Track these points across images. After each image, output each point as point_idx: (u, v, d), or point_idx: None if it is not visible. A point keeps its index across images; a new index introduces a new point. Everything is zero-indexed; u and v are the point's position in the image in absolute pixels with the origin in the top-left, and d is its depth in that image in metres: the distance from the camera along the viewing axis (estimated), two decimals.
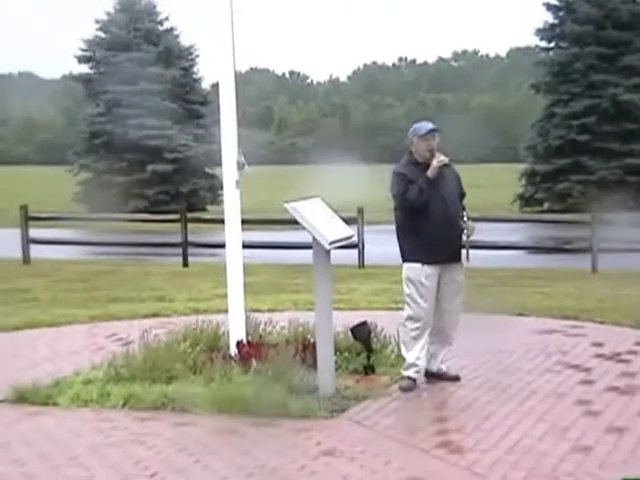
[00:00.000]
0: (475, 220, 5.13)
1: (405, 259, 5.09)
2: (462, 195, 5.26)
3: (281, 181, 36.46)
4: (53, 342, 6.73)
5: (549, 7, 27.35)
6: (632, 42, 25.87)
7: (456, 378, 5.19)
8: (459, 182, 5.24)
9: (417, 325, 5.03)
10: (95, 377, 5.18)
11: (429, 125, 5.06)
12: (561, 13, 27.23)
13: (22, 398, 4.94)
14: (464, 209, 5.16)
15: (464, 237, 5.07)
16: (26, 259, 13.49)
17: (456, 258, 5.11)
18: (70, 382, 5.14)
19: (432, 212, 4.96)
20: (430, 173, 4.97)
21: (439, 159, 4.98)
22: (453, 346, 5.25)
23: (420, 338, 5.05)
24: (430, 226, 4.96)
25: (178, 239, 13.16)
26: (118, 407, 4.77)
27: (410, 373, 5.08)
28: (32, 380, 5.13)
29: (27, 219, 13.74)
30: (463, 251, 5.11)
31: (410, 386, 5.04)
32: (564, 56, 26.39)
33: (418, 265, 4.99)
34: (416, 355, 5.06)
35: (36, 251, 13.66)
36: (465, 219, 5.05)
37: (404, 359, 5.11)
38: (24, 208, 13.81)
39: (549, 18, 27.39)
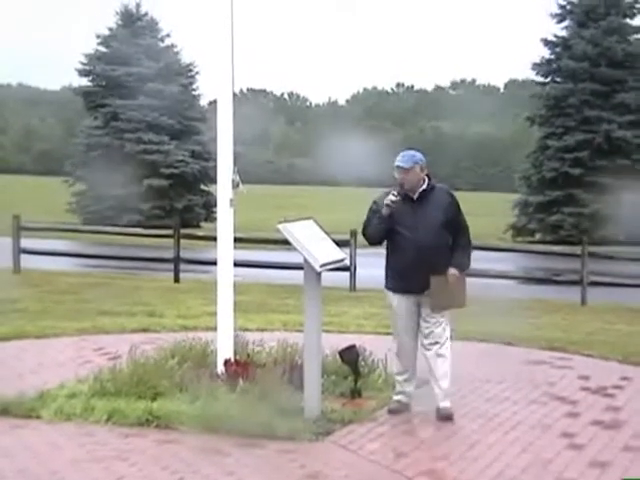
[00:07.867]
0: None
1: (385, 285, 5.13)
2: (458, 226, 4.94)
3: (277, 200, 36.51)
4: (40, 354, 6.69)
5: (546, 42, 27.80)
6: (626, 80, 26.19)
7: (448, 418, 4.92)
8: (450, 211, 4.91)
9: (400, 351, 5.07)
10: (80, 391, 5.15)
11: (398, 158, 4.93)
12: (557, 49, 27.62)
13: (5, 410, 4.90)
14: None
15: None
16: (17, 269, 13.43)
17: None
18: (54, 395, 5.10)
19: (400, 243, 4.90)
20: (384, 211, 4.85)
21: (389, 197, 4.82)
22: (445, 384, 4.96)
23: (406, 365, 5.08)
24: (399, 257, 4.92)
25: (170, 255, 13.14)
26: (102, 422, 4.73)
27: (399, 397, 5.11)
28: (16, 392, 5.08)
29: (19, 229, 13.71)
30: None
31: (398, 408, 5.05)
32: (559, 91, 26.70)
33: (390, 293, 5.04)
34: (403, 382, 5.09)
35: (27, 261, 13.60)
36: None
37: (393, 385, 5.15)
38: (17, 218, 13.79)
39: (546, 53, 27.88)
